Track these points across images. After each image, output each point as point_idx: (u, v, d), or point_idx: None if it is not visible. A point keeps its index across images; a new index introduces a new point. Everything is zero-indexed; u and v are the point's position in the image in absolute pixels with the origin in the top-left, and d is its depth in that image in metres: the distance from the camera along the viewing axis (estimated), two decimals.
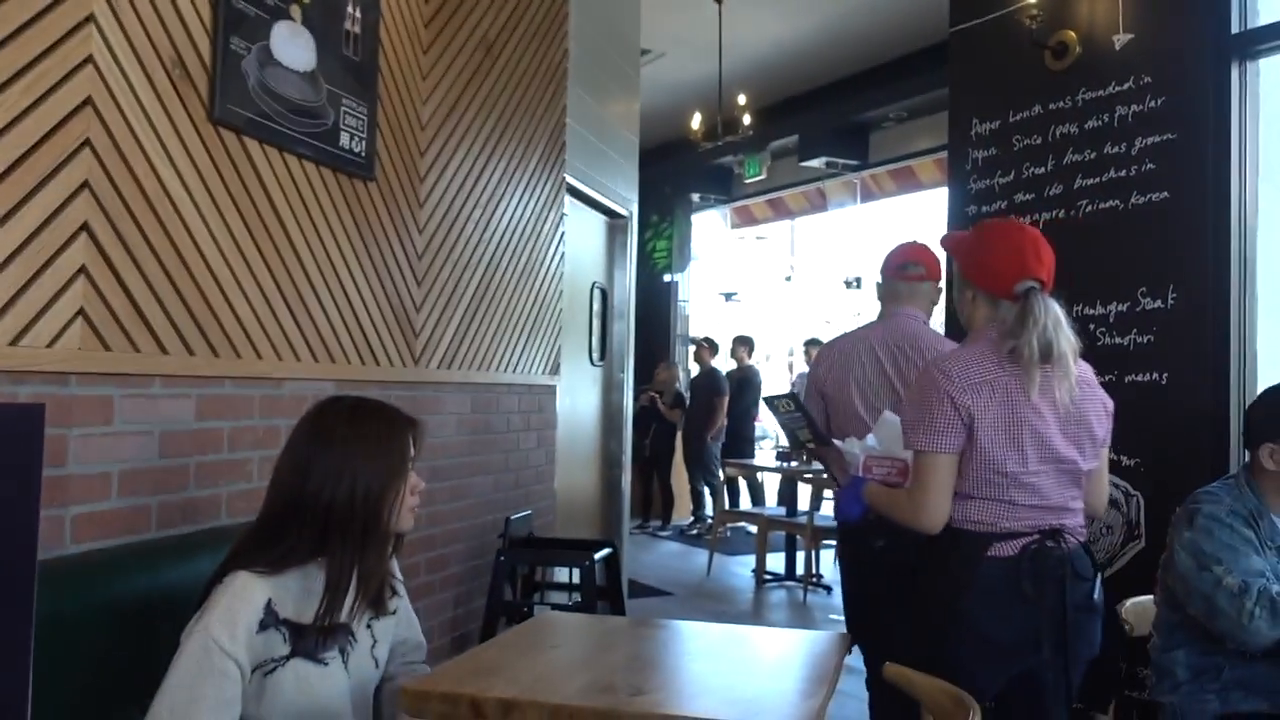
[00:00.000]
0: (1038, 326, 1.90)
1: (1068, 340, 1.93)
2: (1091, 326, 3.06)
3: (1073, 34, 3.15)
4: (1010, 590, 1.91)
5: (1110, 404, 2.07)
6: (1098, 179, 3.08)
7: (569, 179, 4.37)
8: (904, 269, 2.81)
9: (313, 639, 1.57)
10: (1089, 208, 3.09)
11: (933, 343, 2.73)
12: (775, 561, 6.68)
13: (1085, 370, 2.05)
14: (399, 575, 1.84)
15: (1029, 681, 1.98)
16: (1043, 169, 3.22)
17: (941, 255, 2.73)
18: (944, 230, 3.38)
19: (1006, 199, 3.31)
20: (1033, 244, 2.01)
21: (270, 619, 1.51)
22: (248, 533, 1.62)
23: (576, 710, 1.52)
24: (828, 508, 7.49)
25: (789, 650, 1.90)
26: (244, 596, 1.49)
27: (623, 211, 5.51)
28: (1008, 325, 1.96)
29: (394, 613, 1.76)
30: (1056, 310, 1.93)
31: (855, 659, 3.55)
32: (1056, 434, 1.95)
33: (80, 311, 1.85)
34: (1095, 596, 2.02)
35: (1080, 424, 1.98)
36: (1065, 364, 1.92)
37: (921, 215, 9.87)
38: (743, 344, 8.69)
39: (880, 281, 2.87)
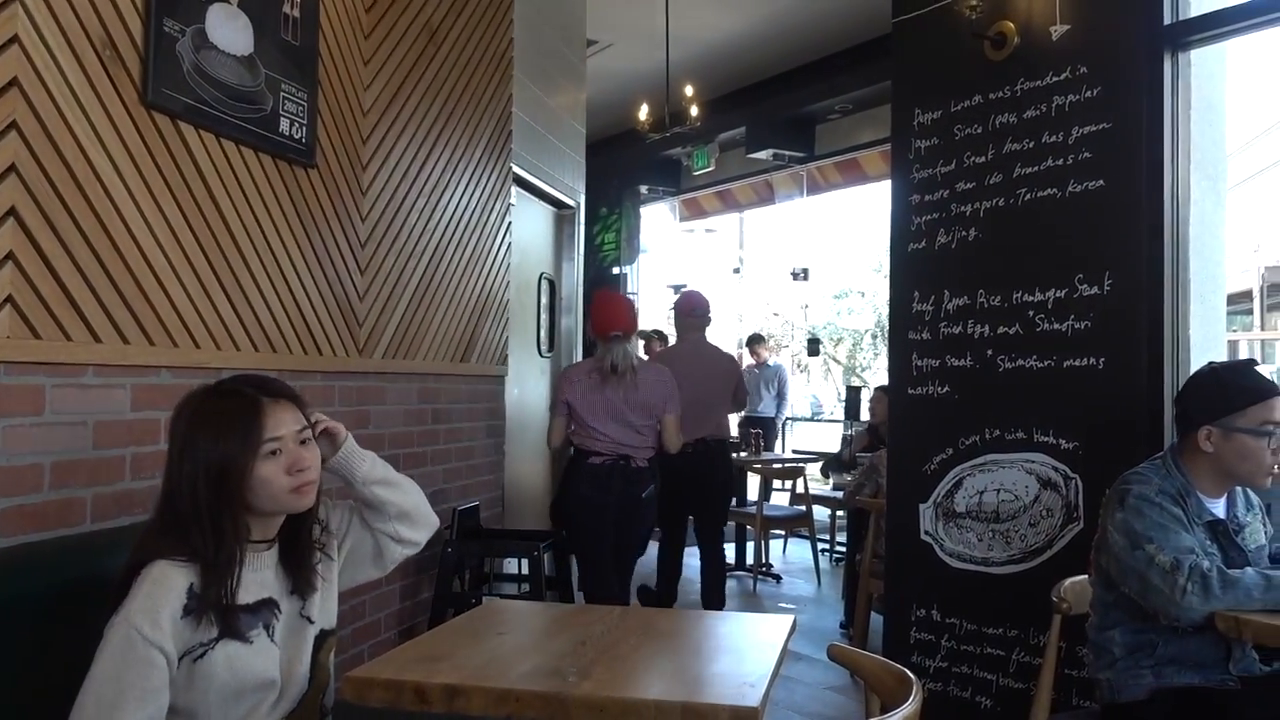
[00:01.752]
0: (611, 355, 3.76)
1: (625, 363, 3.75)
2: (1030, 313, 3.11)
3: (1011, 25, 3.20)
4: (597, 481, 3.76)
5: (670, 388, 3.86)
6: (1036, 167, 3.13)
7: (515, 169, 4.34)
8: (693, 312, 4.78)
9: (238, 618, 1.53)
10: (1028, 195, 3.14)
11: (714, 351, 4.92)
12: (725, 551, 6.68)
13: (656, 373, 3.89)
14: (332, 531, 1.77)
15: (622, 544, 3.82)
16: (983, 158, 3.27)
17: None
18: (888, 222, 3.60)
19: (948, 187, 3.35)
20: (618, 310, 3.89)
21: (194, 603, 1.47)
22: (151, 523, 1.57)
23: (523, 694, 1.52)
24: (777, 498, 7.56)
25: (734, 633, 1.92)
26: (164, 584, 1.45)
27: (570, 202, 5.49)
28: (600, 353, 3.81)
29: (320, 588, 1.69)
30: (625, 347, 3.78)
31: (800, 643, 3.59)
32: (621, 406, 3.76)
33: (8, 299, 1.80)
34: (644, 495, 3.82)
35: (639, 401, 3.78)
36: (623, 374, 3.75)
37: (866, 207, 9.98)
38: None
39: (676, 318, 4.91)
